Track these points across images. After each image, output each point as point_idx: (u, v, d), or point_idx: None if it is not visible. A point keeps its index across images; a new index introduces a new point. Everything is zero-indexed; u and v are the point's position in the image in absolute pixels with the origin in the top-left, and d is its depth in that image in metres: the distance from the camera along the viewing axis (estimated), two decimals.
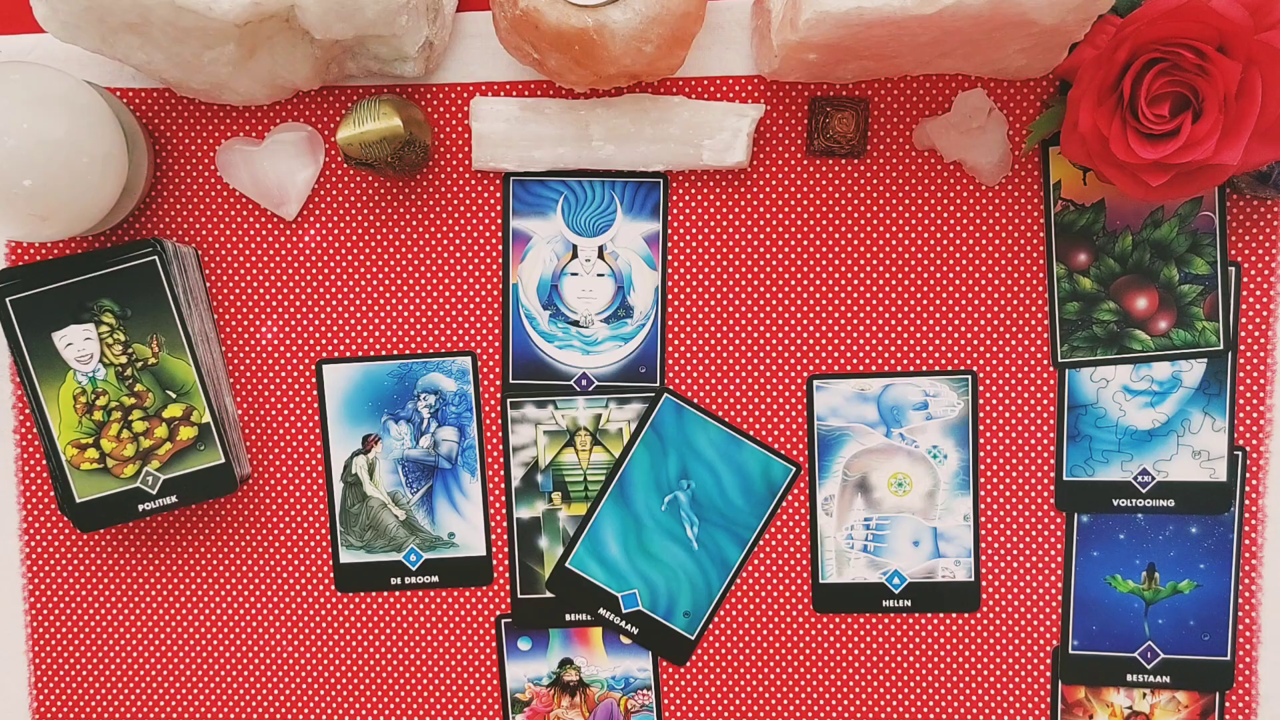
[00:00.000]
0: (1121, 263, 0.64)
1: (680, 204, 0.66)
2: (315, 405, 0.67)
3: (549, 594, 0.67)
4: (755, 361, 0.66)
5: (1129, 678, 0.66)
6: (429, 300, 0.67)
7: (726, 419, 0.66)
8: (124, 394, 0.62)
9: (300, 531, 0.68)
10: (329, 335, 0.67)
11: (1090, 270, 0.65)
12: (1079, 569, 0.65)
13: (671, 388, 0.66)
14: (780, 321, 0.66)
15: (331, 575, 0.68)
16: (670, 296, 0.66)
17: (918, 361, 0.66)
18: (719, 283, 0.66)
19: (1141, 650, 0.65)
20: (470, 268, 0.66)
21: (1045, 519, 0.66)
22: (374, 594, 0.68)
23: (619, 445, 0.66)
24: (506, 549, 0.67)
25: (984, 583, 0.67)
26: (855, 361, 0.66)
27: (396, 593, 0.68)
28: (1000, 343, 0.66)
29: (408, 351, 0.67)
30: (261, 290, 0.67)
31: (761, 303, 0.66)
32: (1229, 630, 0.65)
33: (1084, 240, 0.65)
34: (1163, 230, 0.64)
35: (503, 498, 0.67)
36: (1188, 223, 0.64)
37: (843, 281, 0.66)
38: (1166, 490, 0.65)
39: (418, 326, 0.67)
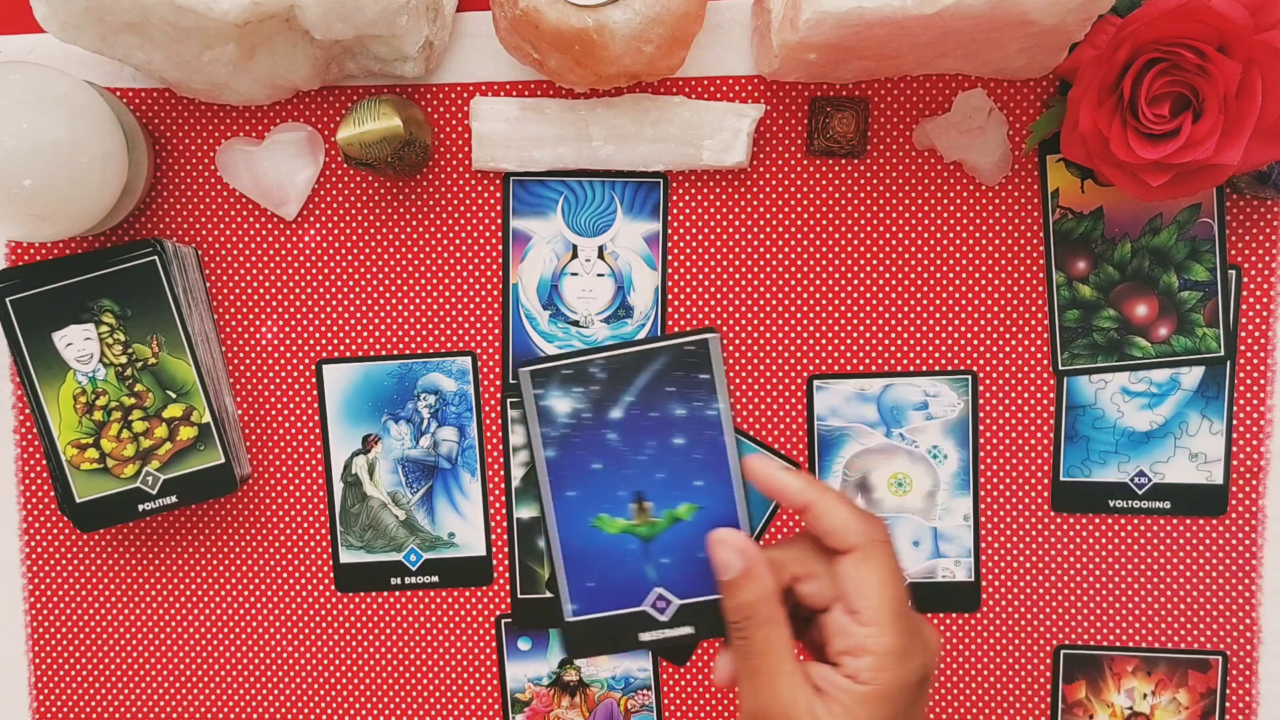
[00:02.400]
0: (1121, 270, 0.64)
1: (680, 204, 0.66)
2: (315, 405, 0.67)
3: (549, 594, 0.67)
4: (755, 361, 0.66)
5: None
6: (429, 300, 0.67)
7: None
8: (124, 394, 0.62)
9: (300, 531, 0.68)
10: (329, 335, 0.67)
11: (1089, 278, 0.65)
12: None
13: None
14: (780, 321, 0.66)
15: (331, 575, 0.68)
16: (670, 296, 0.66)
17: (918, 361, 0.66)
18: (719, 283, 0.66)
19: None
20: (470, 268, 0.66)
21: (1046, 519, 0.66)
22: (374, 594, 0.68)
23: None
24: (506, 549, 0.67)
25: (984, 583, 0.67)
26: (855, 361, 0.66)
27: (396, 593, 0.68)
28: (1000, 343, 0.66)
29: (408, 351, 0.67)
30: (261, 290, 0.67)
31: (761, 303, 0.66)
32: None
33: (1083, 248, 0.65)
34: (1161, 237, 0.64)
35: (503, 498, 0.67)
36: (1186, 229, 0.64)
37: (843, 281, 0.66)
38: (1163, 492, 0.66)
39: (418, 326, 0.67)
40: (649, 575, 0.48)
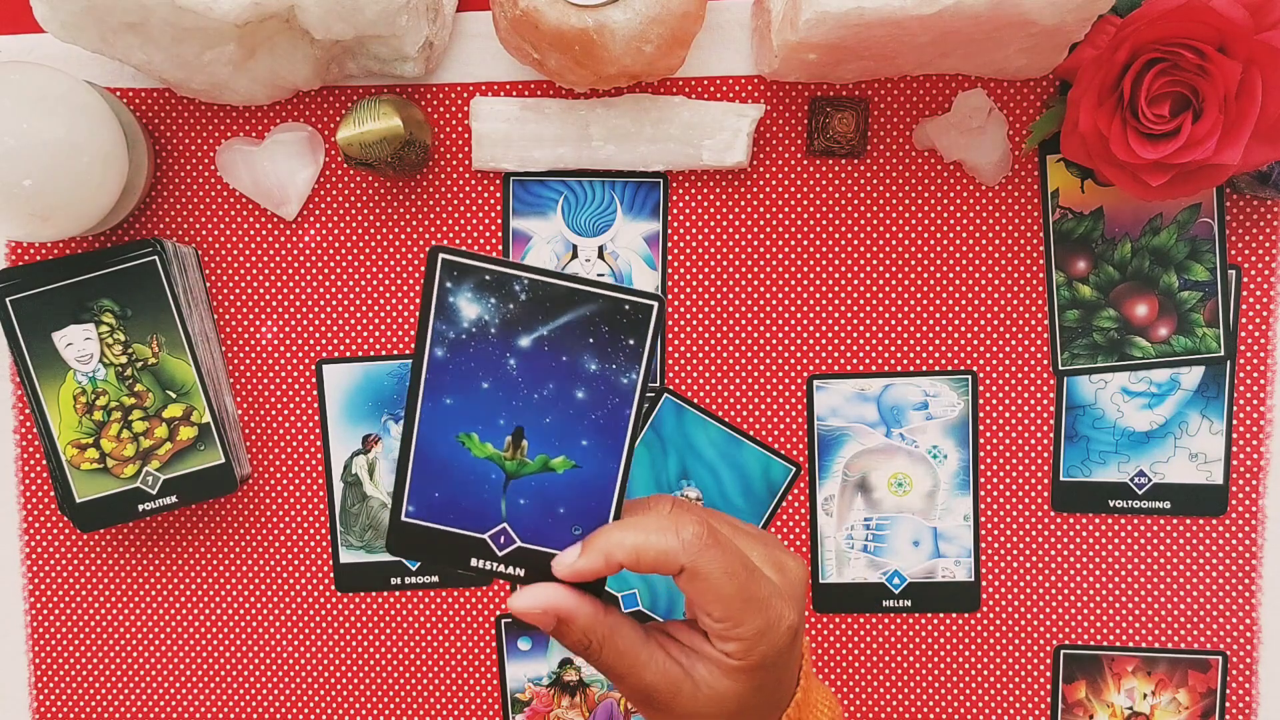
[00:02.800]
0: (1121, 270, 0.64)
1: (680, 204, 0.66)
2: (315, 405, 0.67)
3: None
4: (755, 361, 0.66)
5: None
6: None
7: (726, 419, 0.66)
8: (124, 394, 0.62)
9: (300, 531, 0.68)
10: (329, 335, 0.67)
11: (1089, 278, 0.65)
12: None
13: (671, 388, 0.66)
14: (780, 321, 0.66)
15: (331, 575, 0.68)
16: (670, 297, 0.66)
17: (918, 361, 0.66)
18: (719, 283, 0.66)
19: None
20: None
21: (1045, 519, 0.66)
22: (374, 594, 0.68)
23: None
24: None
25: (984, 583, 0.67)
26: (855, 361, 0.66)
27: (396, 593, 0.68)
28: (1000, 343, 0.66)
29: (408, 351, 0.67)
30: (261, 290, 0.67)
31: (761, 303, 0.66)
32: None
33: (1083, 248, 0.65)
34: (1161, 237, 0.64)
35: None
36: (1186, 229, 0.64)
37: (843, 281, 0.66)
38: (1163, 492, 0.66)
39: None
40: (501, 510, 0.45)
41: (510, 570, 0.46)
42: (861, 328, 0.66)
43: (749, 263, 0.66)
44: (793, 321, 0.66)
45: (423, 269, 0.66)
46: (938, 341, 0.66)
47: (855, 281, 0.66)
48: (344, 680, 0.68)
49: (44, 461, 0.67)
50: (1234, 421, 0.65)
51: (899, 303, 0.66)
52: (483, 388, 0.44)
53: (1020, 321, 0.66)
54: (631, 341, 0.44)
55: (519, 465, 0.45)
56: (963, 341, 0.66)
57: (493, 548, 0.46)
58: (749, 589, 0.42)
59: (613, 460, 0.45)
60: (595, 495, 0.45)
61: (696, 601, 0.42)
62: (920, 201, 0.65)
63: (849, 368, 0.66)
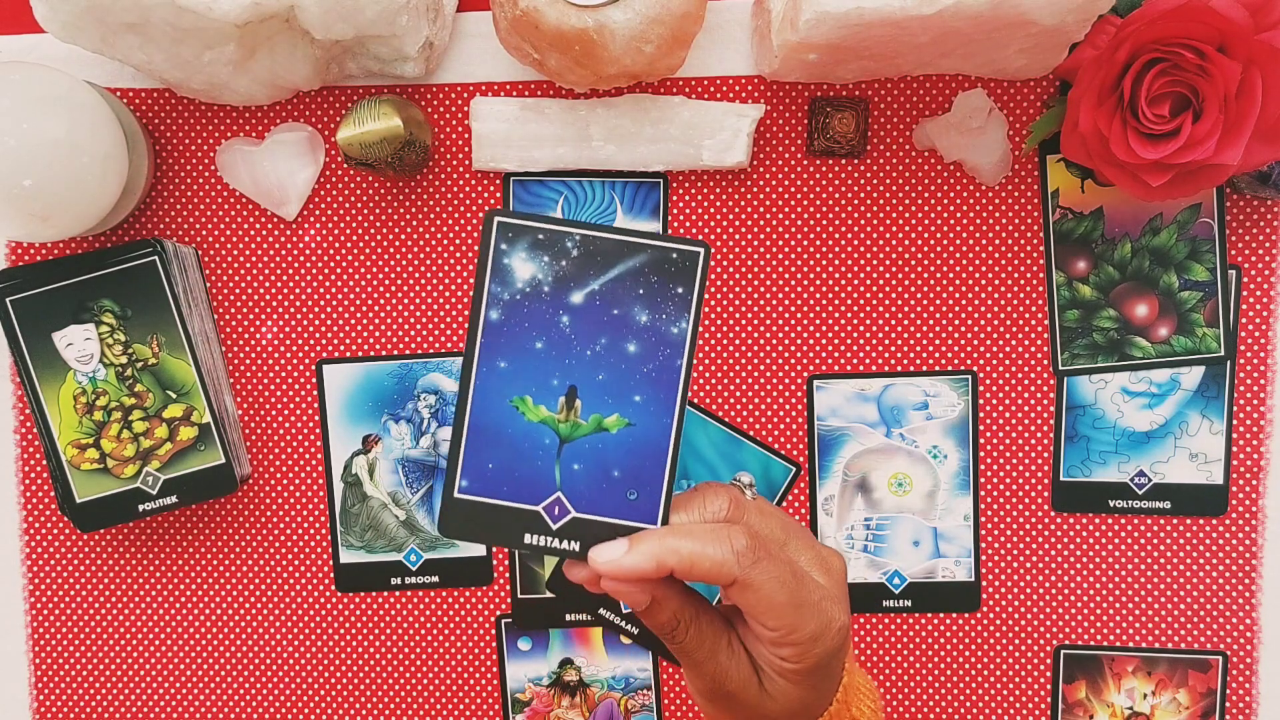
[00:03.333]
0: (1121, 270, 0.64)
1: (680, 204, 0.66)
2: (315, 405, 0.67)
3: (549, 594, 0.67)
4: (755, 361, 0.66)
5: None
6: (429, 300, 0.67)
7: (726, 419, 0.66)
8: (124, 394, 0.62)
9: (300, 531, 0.68)
10: (329, 335, 0.67)
11: (1089, 278, 0.65)
12: None
13: None
14: (780, 321, 0.66)
15: (331, 575, 0.68)
16: None
17: (918, 361, 0.66)
18: (719, 283, 0.66)
19: None
20: (470, 268, 0.66)
21: (1046, 519, 0.66)
22: (374, 594, 0.68)
23: None
24: (507, 549, 0.67)
25: (984, 583, 0.67)
26: (855, 361, 0.66)
27: (396, 593, 0.68)
28: (1000, 343, 0.66)
29: (408, 351, 0.67)
30: (261, 290, 0.67)
31: (761, 303, 0.66)
32: None
33: (1083, 248, 0.65)
34: (1161, 237, 0.64)
35: None
36: (1187, 229, 0.64)
37: (843, 281, 0.66)
38: (1163, 492, 0.66)
39: (418, 326, 0.67)
40: (555, 478, 0.45)
41: (565, 545, 0.45)
42: (861, 328, 0.66)
43: (749, 263, 0.66)
44: (793, 321, 0.66)
45: (423, 269, 0.66)
46: (938, 341, 0.66)
47: (855, 281, 0.66)
48: (344, 680, 0.68)
49: (44, 461, 0.67)
50: (1234, 421, 0.65)
51: (899, 303, 0.66)
52: (536, 348, 0.44)
53: (1020, 321, 0.66)
54: (680, 290, 0.44)
55: (573, 428, 0.45)
56: (963, 341, 0.66)
57: (547, 520, 0.45)
58: (800, 596, 0.43)
59: (666, 415, 0.45)
60: (650, 455, 0.44)
61: (749, 612, 0.43)
62: (920, 201, 0.65)
63: (849, 368, 0.66)
